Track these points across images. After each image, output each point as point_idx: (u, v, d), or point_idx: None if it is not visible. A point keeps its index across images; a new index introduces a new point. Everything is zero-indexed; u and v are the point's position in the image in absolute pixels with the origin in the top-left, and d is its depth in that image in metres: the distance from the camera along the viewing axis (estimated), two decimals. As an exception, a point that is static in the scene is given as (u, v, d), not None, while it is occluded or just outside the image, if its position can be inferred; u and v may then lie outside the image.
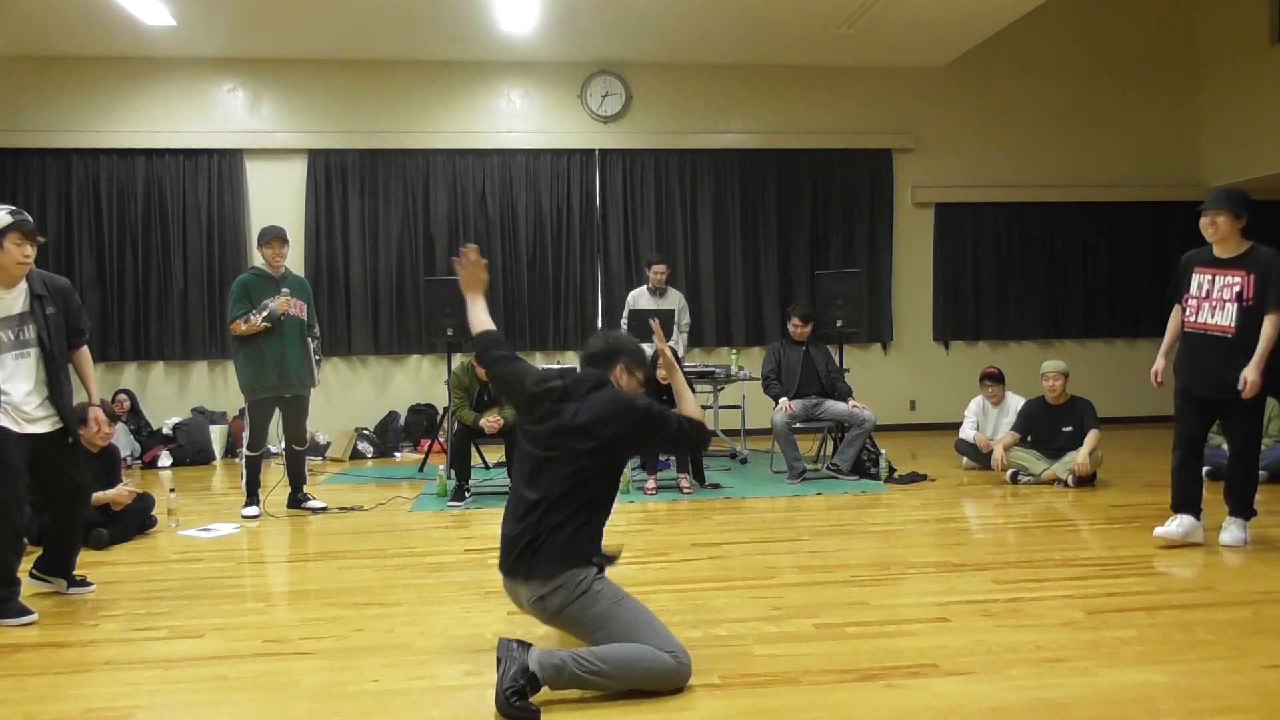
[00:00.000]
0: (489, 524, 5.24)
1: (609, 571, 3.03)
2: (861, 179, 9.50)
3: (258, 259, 5.93)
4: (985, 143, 9.67)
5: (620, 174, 9.22)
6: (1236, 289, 4.35)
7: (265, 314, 5.55)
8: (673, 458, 6.51)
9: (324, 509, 5.88)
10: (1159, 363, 4.78)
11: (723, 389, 7.92)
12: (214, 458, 8.25)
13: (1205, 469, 4.85)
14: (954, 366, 9.62)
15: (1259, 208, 4.67)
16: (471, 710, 2.75)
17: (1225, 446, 4.65)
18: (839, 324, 7.31)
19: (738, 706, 2.73)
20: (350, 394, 9.03)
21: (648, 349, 4.08)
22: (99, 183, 8.69)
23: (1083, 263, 9.77)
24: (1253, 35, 9.09)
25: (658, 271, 7.59)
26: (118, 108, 8.73)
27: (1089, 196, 9.70)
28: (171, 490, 6.00)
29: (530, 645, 2.78)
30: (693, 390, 3.94)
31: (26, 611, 3.65)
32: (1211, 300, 4.44)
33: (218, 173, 8.82)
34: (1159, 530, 4.58)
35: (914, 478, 6.60)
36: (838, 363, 7.09)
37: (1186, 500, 4.58)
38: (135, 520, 5.14)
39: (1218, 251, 4.47)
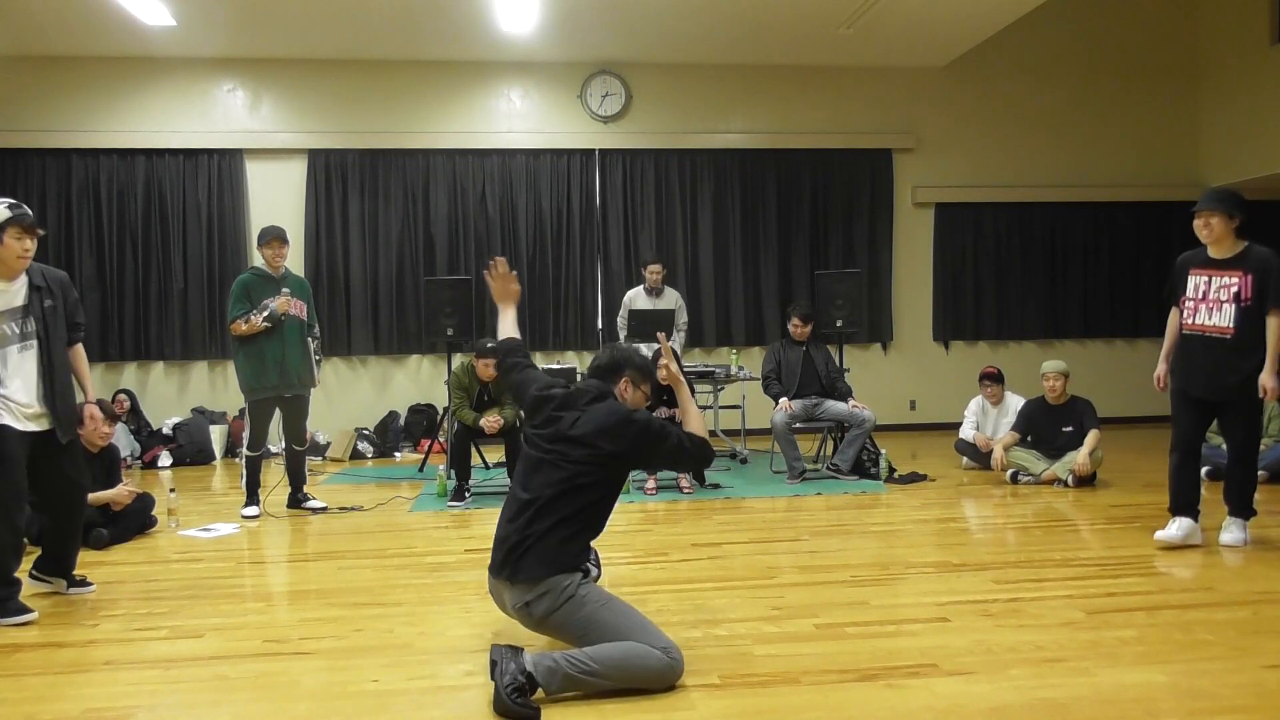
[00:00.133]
0: (489, 524, 5.23)
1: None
2: (861, 179, 9.50)
3: (258, 259, 5.93)
4: (985, 143, 9.67)
5: (620, 174, 9.22)
6: (1234, 289, 4.33)
7: (265, 314, 5.55)
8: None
9: (324, 509, 5.89)
10: (1160, 367, 4.74)
11: (723, 389, 7.92)
12: (214, 458, 8.25)
13: (1205, 469, 4.85)
14: (954, 366, 9.62)
15: (1259, 208, 4.67)
16: (471, 710, 2.75)
17: (1224, 446, 4.65)
18: (839, 324, 7.32)
19: (738, 706, 2.73)
20: (350, 394, 9.03)
21: (647, 350, 4.08)
22: (99, 183, 8.68)
23: (1083, 263, 9.77)
24: (1253, 35, 9.08)
25: (653, 271, 7.59)
26: (117, 108, 8.73)
27: (1089, 196, 9.70)
28: (171, 490, 6.00)
29: (522, 650, 2.78)
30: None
31: (26, 610, 3.64)
32: (1208, 302, 4.42)
33: (218, 173, 8.82)
34: (1159, 534, 4.58)
35: (914, 478, 6.60)
36: (838, 363, 7.09)
37: (1185, 502, 4.57)
38: (135, 520, 5.14)
39: (1213, 252, 4.45)
